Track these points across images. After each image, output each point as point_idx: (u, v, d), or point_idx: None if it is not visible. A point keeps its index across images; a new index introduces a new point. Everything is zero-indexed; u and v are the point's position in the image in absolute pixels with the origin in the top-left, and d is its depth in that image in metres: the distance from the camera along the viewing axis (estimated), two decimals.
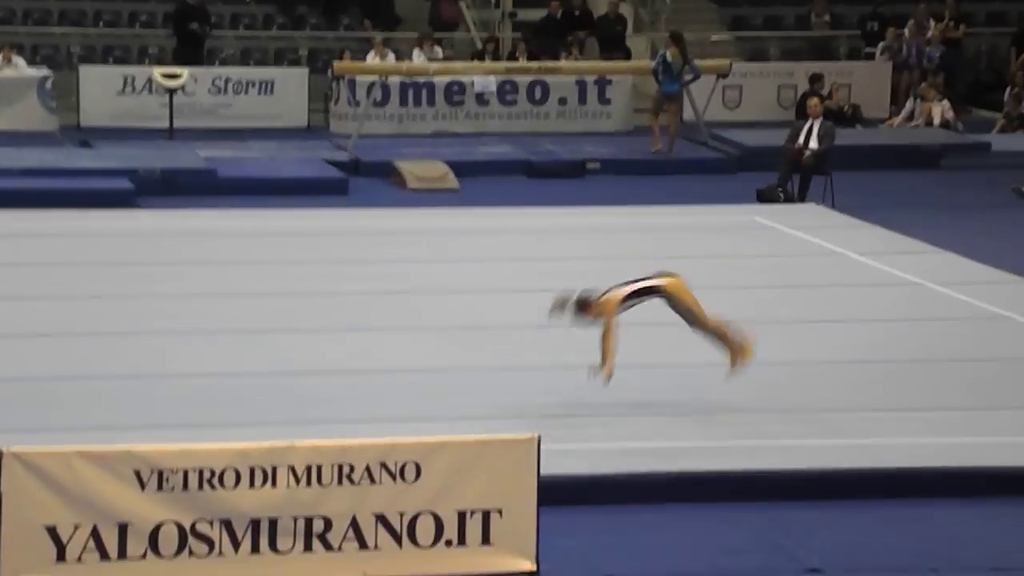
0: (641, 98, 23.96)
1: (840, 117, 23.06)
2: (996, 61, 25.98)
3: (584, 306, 10.46)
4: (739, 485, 9.37)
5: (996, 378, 11.30)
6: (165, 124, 22.43)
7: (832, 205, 17.97)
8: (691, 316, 10.54)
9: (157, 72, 22.95)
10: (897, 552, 8.71)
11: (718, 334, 10.56)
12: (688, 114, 21.98)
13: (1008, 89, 23.81)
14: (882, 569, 8.50)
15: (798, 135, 18.55)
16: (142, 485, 7.79)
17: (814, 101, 19.16)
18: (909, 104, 24.02)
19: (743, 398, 10.75)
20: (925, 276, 14.29)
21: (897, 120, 24.02)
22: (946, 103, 23.22)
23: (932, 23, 25.06)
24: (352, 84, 22.80)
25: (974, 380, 11.23)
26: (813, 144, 18.36)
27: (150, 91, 23.18)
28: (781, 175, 18.50)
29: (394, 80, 22.89)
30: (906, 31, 25.01)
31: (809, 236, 16.02)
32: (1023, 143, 21.65)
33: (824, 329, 12.60)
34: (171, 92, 22.58)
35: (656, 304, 13.61)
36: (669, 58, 21.25)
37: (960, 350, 12.03)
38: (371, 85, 22.31)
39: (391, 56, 23.95)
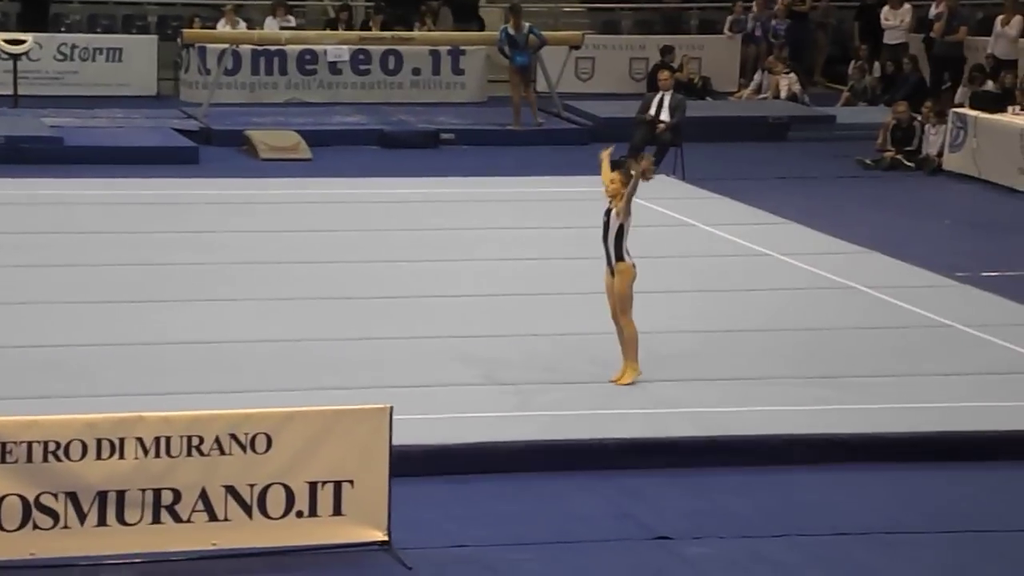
0: (495, 69, 23.97)
1: (690, 89, 23.28)
2: (841, 35, 26.40)
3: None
4: (588, 453, 9.46)
5: (840, 346, 11.52)
6: (9, 91, 21.97)
7: (683, 177, 18.16)
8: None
9: None
10: (744, 518, 8.86)
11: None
12: (541, 85, 22.05)
13: (852, 63, 24.22)
14: (730, 535, 8.64)
15: (649, 107, 18.71)
16: None
17: (665, 74, 19.33)
18: (757, 77, 24.33)
19: (592, 367, 10.85)
20: (772, 247, 14.51)
21: (746, 93, 24.32)
22: (793, 76, 23.56)
23: None
24: (203, 52, 22.51)
25: (819, 349, 11.44)
26: (664, 116, 18.52)
27: None
28: (633, 146, 18.63)
29: (245, 48, 22.64)
30: (753, 5, 25.31)
31: (660, 207, 16.17)
32: (866, 116, 22.04)
33: (673, 299, 12.74)
34: (15, 58, 22.10)
35: (513, 272, 13.64)
36: (511, 31, 21.30)
37: (806, 319, 12.24)
38: (222, 53, 22.03)
39: (242, 24, 23.67)
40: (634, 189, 10.41)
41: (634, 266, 10.53)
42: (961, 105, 19.87)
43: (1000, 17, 22.29)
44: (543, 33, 21.76)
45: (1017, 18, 22.17)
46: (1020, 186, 17.40)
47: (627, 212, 10.44)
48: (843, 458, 9.61)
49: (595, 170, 18.87)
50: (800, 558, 8.39)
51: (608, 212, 10.54)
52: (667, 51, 23.78)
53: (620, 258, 10.49)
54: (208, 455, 7.95)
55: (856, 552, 8.48)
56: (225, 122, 20.81)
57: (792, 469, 9.48)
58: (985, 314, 12.38)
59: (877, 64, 24.02)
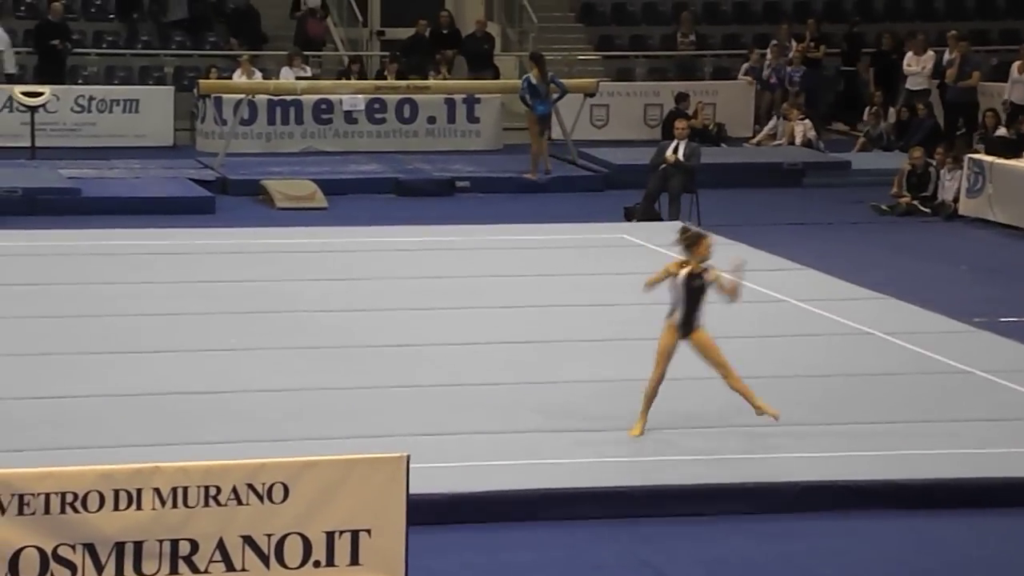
0: (510, 117, 24.06)
1: (705, 136, 23.34)
2: (855, 81, 26.47)
3: (692, 244, 10.28)
4: (605, 501, 9.44)
5: (857, 393, 11.49)
6: (27, 143, 22.09)
7: (699, 223, 18.16)
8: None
9: (17, 91, 22.59)
10: (761, 567, 8.83)
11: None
12: (556, 133, 22.12)
13: (867, 108, 24.27)
14: None
15: (663, 152, 18.74)
16: (2, 510, 7.65)
17: (681, 123, 19.39)
18: (772, 123, 24.38)
19: (608, 415, 10.83)
20: (788, 293, 14.50)
21: (760, 138, 24.37)
22: (808, 122, 23.61)
23: (793, 44, 25.47)
24: (219, 102, 22.63)
25: (836, 395, 11.40)
26: (679, 156, 18.54)
27: (11, 110, 22.81)
28: (648, 194, 18.67)
29: (261, 98, 22.76)
30: (768, 52, 25.40)
31: (676, 254, 16.16)
32: (881, 161, 22.06)
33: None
34: (32, 110, 22.23)
35: (528, 319, 13.64)
36: (533, 80, 21.38)
37: (823, 366, 12.21)
38: (238, 103, 22.15)
39: (258, 74, 23.81)
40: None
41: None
42: (977, 151, 19.87)
43: (1017, 63, 22.33)
44: (564, 82, 21.83)
45: None
46: None
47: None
48: (861, 505, 9.56)
49: (606, 217, 18.92)
50: None
51: (696, 277, 10.33)
52: (682, 98, 23.85)
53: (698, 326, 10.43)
54: (225, 505, 7.93)
55: None
56: (241, 172, 20.89)
57: (810, 516, 9.44)
58: (1004, 360, 12.34)
59: (892, 110, 24.06)
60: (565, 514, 9.34)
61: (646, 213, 18.49)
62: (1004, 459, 10.11)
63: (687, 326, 10.43)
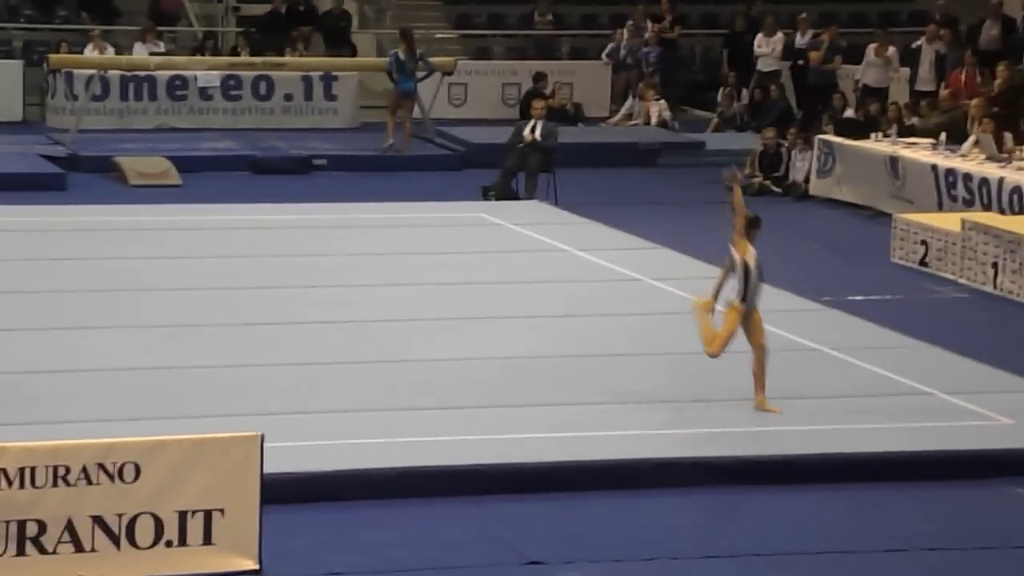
0: (367, 95, 23.95)
1: (562, 116, 23.44)
2: (710, 62, 26.76)
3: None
4: (459, 479, 9.46)
5: (709, 370, 11.62)
6: None
7: (555, 202, 18.27)
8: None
9: None
10: (615, 542, 8.91)
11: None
12: (415, 111, 22.06)
13: (721, 89, 24.54)
14: (601, 559, 8.68)
15: (521, 135, 18.79)
16: None
17: (539, 103, 19.46)
18: (628, 103, 24.55)
19: (464, 393, 10.86)
20: (643, 272, 14.63)
21: (617, 119, 24.53)
22: (663, 103, 23.81)
23: (649, 24, 25.67)
24: (69, 77, 22.25)
25: (689, 372, 11.54)
26: (537, 135, 18.60)
27: None
28: (505, 170, 18.72)
29: (113, 74, 22.40)
30: (624, 32, 25.56)
31: (533, 232, 16.26)
32: (735, 142, 22.33)
33: (548, 324, 12.80)
34: None
35: (385, 298, 13.62)
36: (401, 56, 21.30)
37: (676, 344, 12.33)
38: (89, 79, 21.80)
39: (110, 50, 23.43)
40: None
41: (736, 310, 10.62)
42: (826, 132, 20.20)
43: (872, 46, 22.72)
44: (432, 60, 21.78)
45: (892, 48, 22.62)
46: (888, 209, 17.72)
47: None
48: (712, 481, 9.70)
49: (464, 196, 18.97)
50: None
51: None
52: (539, 78, 23.92)
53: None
54: (75, 485, 7.84)
55: (726, 574, 8.56)
56: (93, 148, 20.57)
57: (662, 492, 9.55)
58: (850, 338, 12.57)
59: (745, 91, 24.35)
60: (421, 492, 9.35)
61: (503, 191, 18.55)
62: (852, 435, 10.31)
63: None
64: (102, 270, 14.12)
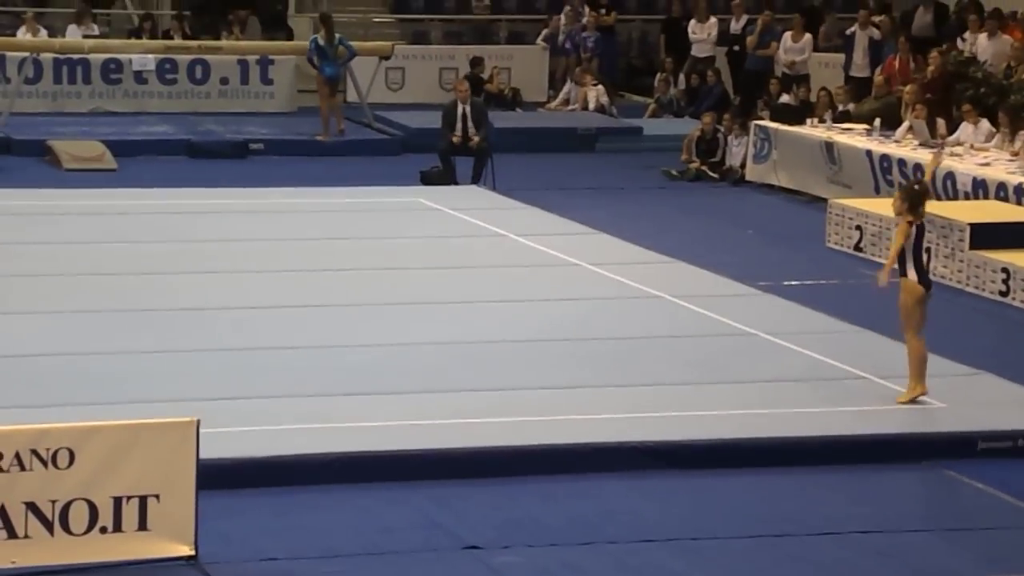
0: (304, 79, 23.83)
1: (500, 101, 23.42)
2: (647, 47, 26.81)
3: (908, 200, 10.44)
4: (397, 464, 9.47)
5: (646, 355, 11.69)
6: None
7: (493, 187, 18.27)
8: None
9: None
10: (552, 527, 8.94)
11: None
12: (352, 96, 22.00)
13: (658, 75, 24.60)
14: (538, 544, 8.71)
15: (452, 118, 18.74)
16: None
17: (463, 85, 19.43)
18: (566, 88, 24.57)
19: (399, 378, 10.86)
20: (581, 257, 14.67)
21: (555, 104, 24.55)
22: (600, 88, 23.84)
23: (587, 9, 25.69)
24: (2, 60, 22.02)
25: (626, 358, 11.59)
26: (471, 128, 18.60)
27: None
28: (440, 152, 18.69)
29: (47, 57, 22.21)
30: (562, 17, 25.57)
31: (471, 218, 16.26)
32: (672, 127, 22.40)
33: (486, 309, 12.81)
34: None
35: (324, 283, 13.60)
36: (321, 41, 21.23)
37: (613, 329, 12.39)
38: (22, 61, 21.60)
39: (44, 32, 23.21)
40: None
41: (921, 285, 10.54)
42: (762, 118, 20.30)
43: (788, 32, 22.86)
44: (353, 44, 21.72)
45: (807, 35, 22.77)
46: (826, 195, 17.84)
47: (905, 232, 10.54)
48: (648, 466, 9.74)
49: (403, 181, 18.92)
50: (608, 565, 8.49)
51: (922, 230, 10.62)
52: (477, 62, 23.91)
53: (903, 274, 10.54)
54: (7, 471, 7.78)
55: (661, 558, 8.61)
56: (26, 132, 20.39)
57: (599, 477, 9.59)
58: (786, 322, 12.66)
59: (682, 77, 24.42)
60: (358, 477, 9.35)
61: (446, 174, 18.50)
62: (786, 419, 10.39)
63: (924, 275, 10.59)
64: (35, 254, 14.01)
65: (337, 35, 21.38)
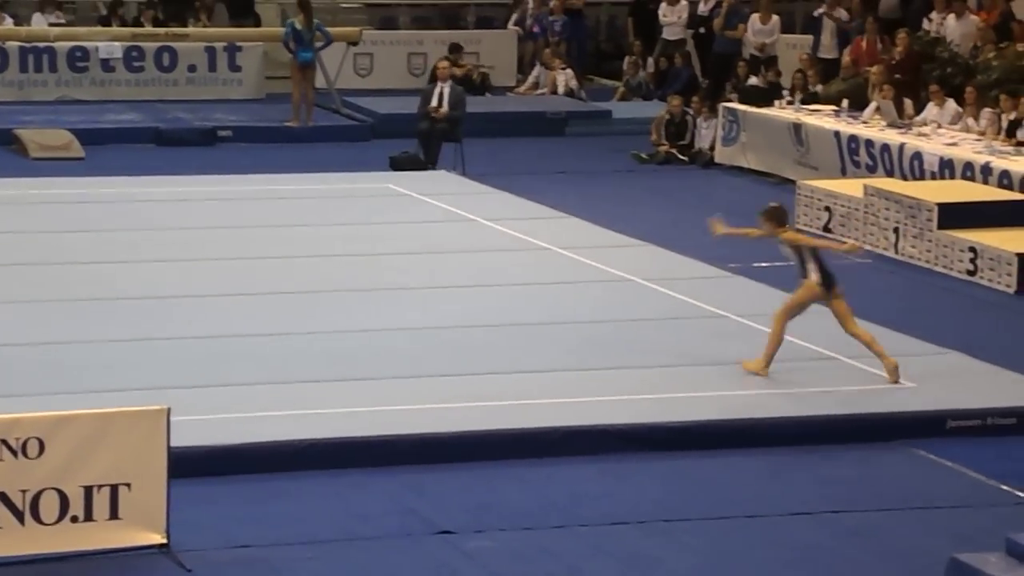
0: (272, 65, 23.77)
1: (469, 85, 23.40)
2: (615, 31, 26.79)
3: (774, 218, 10.77)
4: (369, 450, 9.46)
5: (618, 338, 11.71)
6: None
7: (463, 172, 18.26)
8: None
9: None
10: (525, 511, 8.96)
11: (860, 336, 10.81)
12: (320, 81, 21.96)
13: (627, 58, 24.60)
14: (512, 528, 8.72)
15: (430, 99, 18.75)
16: None
17: (443, 64, 19.42)
18: (535, 72, 24.56)
19: (375, 363, 10.85)
20: (551, 241, 14.67)
21: (524, 88, 24.53)
22: (569, 72, 23.84)
23: None
24: None
25: (597, 341, 11.60)
26: (444, 107, 18.59)
27: None
28: (418, 135, 18.65)
29: (12, 45, 22.11)
30: (530, 1, 25.54)
31: (441, 203, 16.24)
32: (641, 110, 22.40)
33: (457, 294, 12.81)
34: None
35: (293, 269, 13.57)
36: (298, 26, 21.17)
37: (584, 312, 12.41)
38: None
39: (9, 20, 23.09)
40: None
41: (818, 284, 10.72)
42: (731, 100, 20.32)
43: (757, 15, 22.89)
44: (329, 30, 21.67)
45: (775, 17, 22.80)
46: (793, 176, 17.87)
47: (797, 237, 11.03)
48: (621, 448, 9.76)
49: (372, 166, 18.88)
50: (581, 548, 8.51)
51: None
52: (455, 49, 23.85)
53: (804, 275, 10.79)
54: None
55: (635, 540, 8.63)
56: None
57: (572, 460, 9.61)
58: (756, 304, 12.68)
59: (651, 60, 24.43)
60: (331, 464, 9.34)
61: (429, 156, 18.46)
62: (758, 401, 10.42)
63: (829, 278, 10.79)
64: (2, 244, 13.94)
65: (315, 20, 21.32)
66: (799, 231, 11.06)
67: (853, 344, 11.45)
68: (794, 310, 10.91)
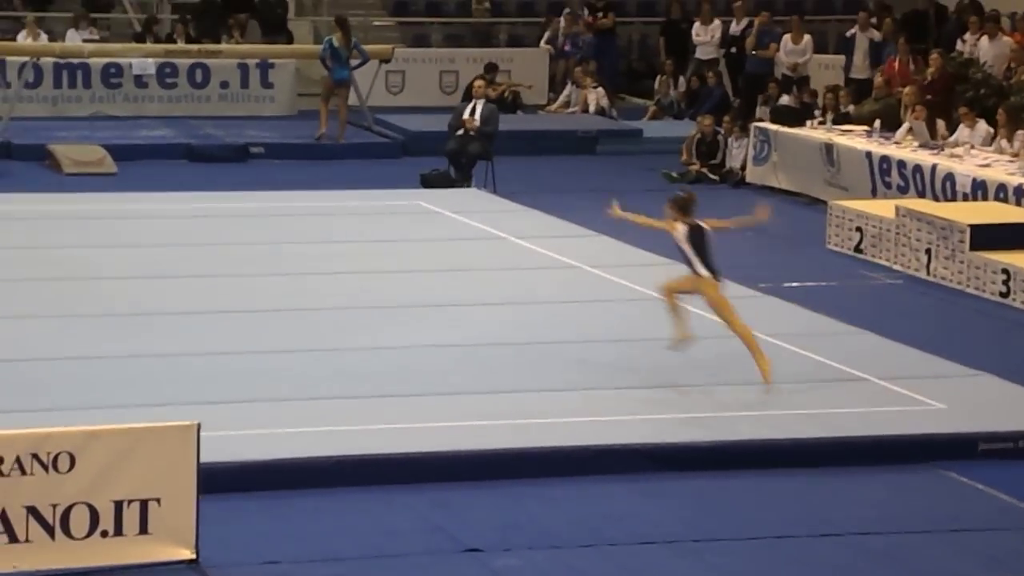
0: (304, 82, 23.87)
1: (501, 103, 23.42)
2: (646, 50, 26.82)
3: (680, 207, 10.95)
4: (398, 467, 9.47)
5: (649, 357, 11.68)
6: None
7: (494, 190, 18.27)
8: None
9: None
10: (554, 529, 8.94)
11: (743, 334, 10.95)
12: (352, 99, 22.03)
13: (658, 77, 24.61)
14: (540, 547, 8.71)
15: (462, 115, 18.77)
16: None
17: (479, 82, 19.46)
18: (566, 91, 24.59)
19: (403, 382, 10.86)
20: (582, 259, 14.67)
21: (555, 106, 24.56)
22: (601, 90, 23.86)
23: (586, 12, 25.70)
24: (2, 65, 22.06)
25: (629, 360, 11.59)
26: (476, 121, 18.61)
27: None
28: (447, 154, 18.68)
29: (47, 61, 22.24)
30: (562, 20, 25.59)
31: (471, 220, 16.27)
32: (672, 129, 22.40)
33: (486, 312, 12.82)
34: None
35: (323, 286, 13.60)
36: (336, 44, 21.24)
37: (616, 331, 12.39)
38: (23, 66, 21.64)
39: (44, 36, 23.24)
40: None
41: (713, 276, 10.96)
42: (762, 120, 20.31)
43: (788, 35, 22.88)
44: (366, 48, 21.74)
45: (807, 37, 22.79)
46: (823, 196, 17.84)
47: (669, 226, 11.16)
48: (650, 468, 9.75)
49: (402, 184, 18.92)
50: (610, 568, 8.49)
51: (697, 231, 10.96)
52: (491, 68, 23.90)
53: (696, 274, 11.01)
54: (8, 475, 7.78)
55: (664, 561, 8.61)
56: (27, 136, 20.41)
57: (601, 479, 9.60)
58: (787, 324, 12.67)
59: (682, 79, 24.43)
60: (360, 481, 9.35)
61: (461, 175, 18.48)
62: (787, 421, 10.39)
63: (714, 271, 10.94)
64: (36, 259, 14.01)
65: (353, 39, 21.39)
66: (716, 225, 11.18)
67: (883, 365, 11.43)
68: (727, 307, 10.99)
